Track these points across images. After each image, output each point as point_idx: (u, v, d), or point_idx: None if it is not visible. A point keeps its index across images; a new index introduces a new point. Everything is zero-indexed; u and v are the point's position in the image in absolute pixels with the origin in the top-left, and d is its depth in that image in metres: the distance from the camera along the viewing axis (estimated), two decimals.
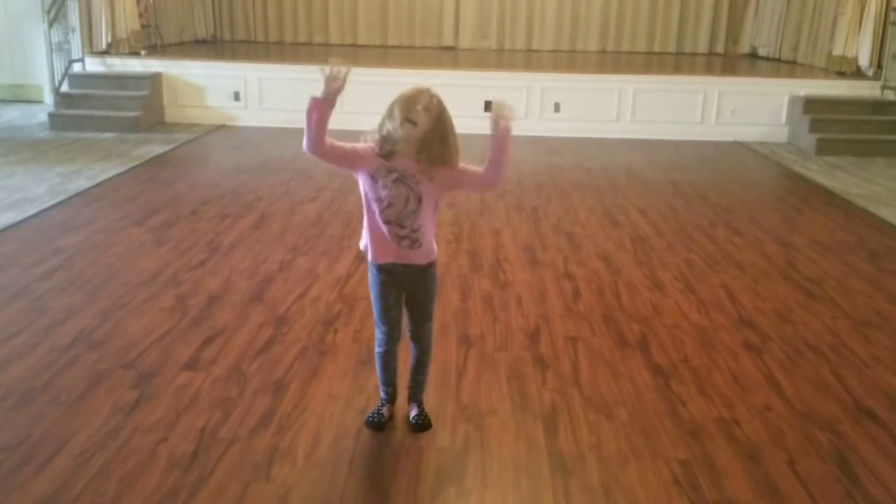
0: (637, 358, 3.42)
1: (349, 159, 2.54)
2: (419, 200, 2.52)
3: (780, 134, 8.65)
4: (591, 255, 4.73)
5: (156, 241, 4.75)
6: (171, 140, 7.82)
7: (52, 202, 5.49)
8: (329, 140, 2.51)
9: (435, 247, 2.67)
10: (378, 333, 2.77)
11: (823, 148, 7.96)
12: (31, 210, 5.30)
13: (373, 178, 2.52)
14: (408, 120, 2.40)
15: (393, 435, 2.77)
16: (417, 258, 2.62)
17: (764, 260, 4.74)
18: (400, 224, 2.55)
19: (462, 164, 2.56)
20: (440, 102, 2.46)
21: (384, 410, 2.84)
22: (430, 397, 3.00)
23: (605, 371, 3.29)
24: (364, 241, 2.65)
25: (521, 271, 4.44)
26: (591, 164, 7.30)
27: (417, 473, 2.55)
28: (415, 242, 2.58)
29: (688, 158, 7.77)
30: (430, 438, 2.75)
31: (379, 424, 2.79)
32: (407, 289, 2.70)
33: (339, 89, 2.44)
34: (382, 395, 2.87)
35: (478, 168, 2.57)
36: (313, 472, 2.54)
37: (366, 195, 2.56)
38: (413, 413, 2.83)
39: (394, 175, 2.49)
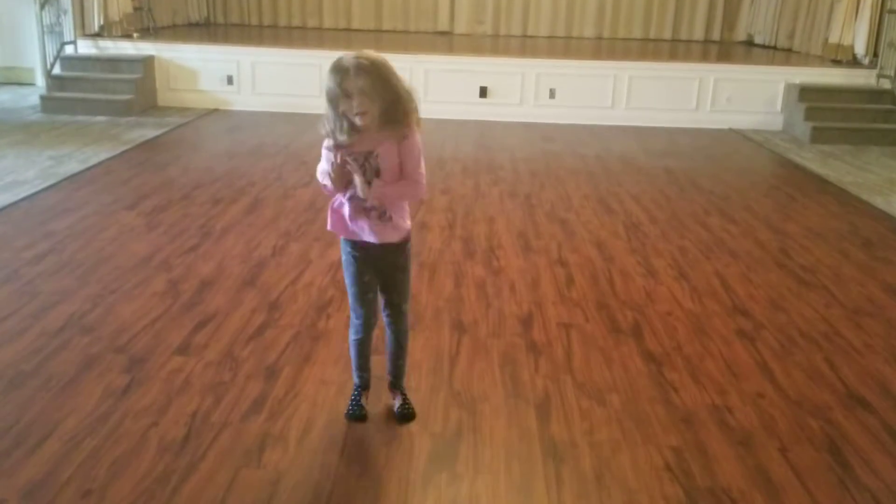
0: (630, 345, 3.42)
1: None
2: (376, 173, 2.45)
3: (775, 122, 8.64)
4: (584, 242, 4.73)
5: (147, 226, 4.72)
6: (164, 124, 7.77)
7: (43, 185, 5.45)
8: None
9: (408, 223, 2.61)
10: (354, 318, 2.71)
11: (818, 136, 7.96)
12: (22, 193, 5.26)
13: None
14: (345, 95, 2.31)
15: (385, 421, 2.76)
16: (389, 235, 2.54)
17: (757, 247, 4.74)
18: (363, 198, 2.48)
19: (414, 139, 2.46)
20: (373, 58, 2.33)
21: (362, 400, 2.79)
22: (422, 383, 3.00)
23: (597, 358, 3.29)
24: (330, 221, 2.59)
25: (515, 258, 4.43)
26: (586, 151, 7.29)
27: (409, 459, 2.55)
28: (383, 214, 2.51)
29: (682, 146, 7.75)
30: (423, 424, 2.75)
31: (361, 416, 2.75)
32: (382, 269, 2.63)
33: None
34: (357, 380, 2.82)
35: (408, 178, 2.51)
36: (305, 458, 2.54)
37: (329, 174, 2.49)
38: (397, 403, 2.80)
39: (358, 161, 2.43)
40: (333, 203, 2.58)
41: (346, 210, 2.53)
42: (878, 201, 5.85)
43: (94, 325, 3.40)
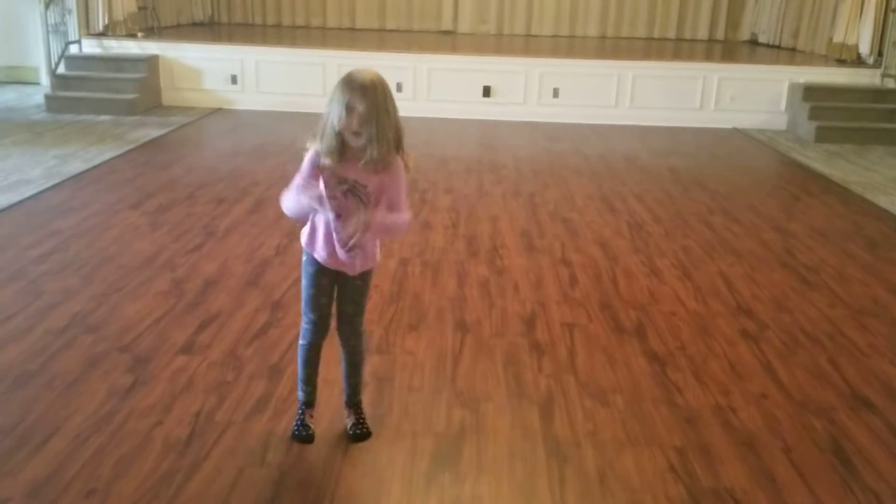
0: (633, 345, 3.41)
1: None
2: (366, 207, 2.38)
3: (779, 121, 8.63)
4: (588, 242, 4.72)
5: (151, 225, 4.73)
6: (168, 123, 7.78)
7: (48, 185, 5.46)
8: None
9: (378, 252, 2.55)
10: (304, 323, 2.60)
11: (822, 136, 7.94)
12: (27, 192, 5.27)
13: (326, 185, 2.38)
14: (347, 110, 2.24)
15: (388, 419, 2.76)
16: (360, 264, 2.48)
17: (761, 247, 4.73)
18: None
19: (400, 168, 2.39)
20: (382, 82, 2.28)
21: (308, 420, 2.66)
22: (425, 383, 3.00)
23: (601, 358, 3.28)
24: (306, 235, 2.51)
25: (518, 257, 4.43)
26: (589, 151, 7.28)
27: (413, 459, 2.55)
28: (357, 245, 2.40)
29: (686, 145, 7.75)
30: (426, 424, 2.75)
31: (309, 437, 2.62)
32: (342, 278, 2.53)
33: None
34: (302, 396, 2.68)
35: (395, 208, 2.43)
36: (308, 458, 2.54)
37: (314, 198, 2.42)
38: (350, 422, 2.69)
39: (344, 186, 2.36)
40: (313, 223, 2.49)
41: (328, 233, 2.42)
42: (883, 201, 5.83)
43: (99, 324, 3.41)
